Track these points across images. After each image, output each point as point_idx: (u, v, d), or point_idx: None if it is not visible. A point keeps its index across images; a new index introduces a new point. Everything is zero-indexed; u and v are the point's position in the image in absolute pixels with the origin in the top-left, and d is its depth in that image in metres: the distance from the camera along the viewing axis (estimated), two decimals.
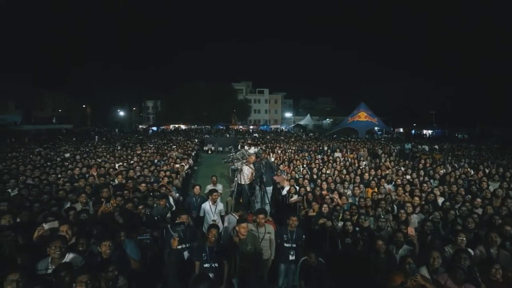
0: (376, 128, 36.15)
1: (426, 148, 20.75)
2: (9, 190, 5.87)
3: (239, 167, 5.98)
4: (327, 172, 8.77)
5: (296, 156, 12.39)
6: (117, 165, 9.38)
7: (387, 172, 8.74)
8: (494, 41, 59.40)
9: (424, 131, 46.60)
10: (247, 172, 6.04)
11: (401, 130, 47.75)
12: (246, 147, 14.77)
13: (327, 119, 60.87)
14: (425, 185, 6.86)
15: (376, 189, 6.60)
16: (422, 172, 8.71)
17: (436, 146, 21.54)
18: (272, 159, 11.24)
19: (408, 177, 8.10)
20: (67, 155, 12.15)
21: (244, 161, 6.02)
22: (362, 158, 13.57)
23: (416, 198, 5.60)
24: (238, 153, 6.06)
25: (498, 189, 6.19)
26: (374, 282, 3.45)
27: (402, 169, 9.85)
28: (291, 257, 4.17)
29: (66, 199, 5.38)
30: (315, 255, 3.77)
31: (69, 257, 3.00)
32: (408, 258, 3.16)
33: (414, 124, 49.55)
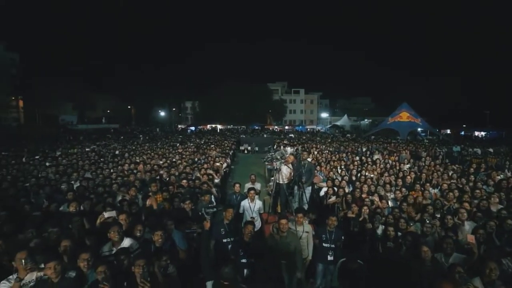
0: (419, 129, 33.84)
1: (479, 151, 18.97)
2: (73, 182, 6.62)
3: (277, 167, 6.07)
4: (367, 174, 8.48)
5: (333, 157, 12.13)
6: (160, 162, 10.03)
7: (434, 175, 8.20)
8: None
9: (476, 133, 42.52)
10: (285, 171, 6.10)
11: (448, 131, 44.13)
12: (282, 148, 14.82)
13: (365, 120, 58.39)
14: (477, 191, 6.32)
15: (420, 193, 6.24)
16: (472, 177, 8.02)
17: (491, 149, 19.56)
18: (309, 160, 11.14)
19: (454, 181, 7.53)
20: (117, 152, 13.28)
21: (283, 160, 6.09)
22: (405, 160, 12.86)
23: (466, 204, 5.20)
24: (277, 152, 6.14)
25: None
26: None
27: (450, 173, 9.17)
28: (330, 258, 4.15)
29: (118, 192, 5.93)
30: (355, 258, 3.72)
31: (126, 241, 3.34)
32: (458, 267, 2.99)
33: (464, 125, 45.39)
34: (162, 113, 59.47)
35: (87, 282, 2.78)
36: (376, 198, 5.67)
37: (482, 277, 3.02)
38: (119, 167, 9.03)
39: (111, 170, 8.36)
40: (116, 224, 3.45)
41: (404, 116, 31.01)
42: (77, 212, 4.13)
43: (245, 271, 3.64)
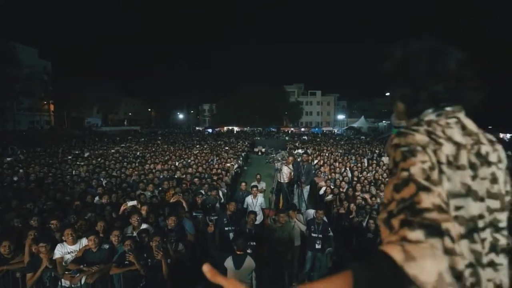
0: None
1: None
2: (102, 179, 7.68)
3: (278, 167, 6.76)
4: (368, 175, 8.98)
5: (339, 159, 12.64)
6: (177, 163, 11.04)
7: None
8: None
9: (501, 135, 40.87)
10: (286, 171, 6.79)
11: None
12: (287, 150, 15.43)
13: (384, 122, 57.41)
14: None
15: None
16: None
17: (510, 153, 19.11)
18: (315, 161, 11.74)
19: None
20: (138, 153, 14.50)
21: (284, 161, 6.78)
22: None
23: None
24: (278, 154, 6.84)
25: None
26: None
27: None
28: (317, 246, 4.80)
29: (139, 188, 6.88)
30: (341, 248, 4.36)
31: (144, 226, 4.20)
32: None
33: (490, 127, 43.71)
34: (181, 116, 61.59)
35: (117, 252, 3.64)
36: (366, 196, 6.22)
37: None
38: (140, 166, 10.11)
39: (134, 170, 9.43)
40: (137, 212, 4.33)
41: None
42: (108, 203, 5.08)
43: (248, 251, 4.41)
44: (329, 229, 4.91)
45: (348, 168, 10.35)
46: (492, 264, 0.72)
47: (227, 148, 17.58)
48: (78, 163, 10.75)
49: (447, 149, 0.73)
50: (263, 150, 25.23)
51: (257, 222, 5.49)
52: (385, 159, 13.68)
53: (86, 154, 13.62)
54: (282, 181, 6.80)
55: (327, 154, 14.39)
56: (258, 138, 29.69)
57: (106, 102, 42.81)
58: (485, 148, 0.78)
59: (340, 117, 64.09)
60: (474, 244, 0.72)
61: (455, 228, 0.61)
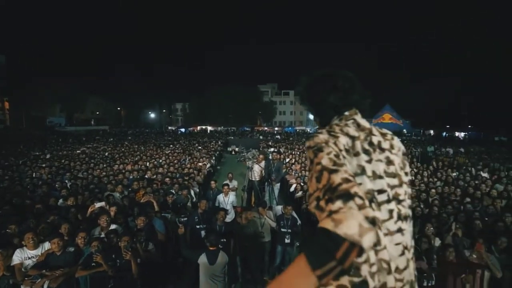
0: (405, 130, 35.21)
1: (451, 151, 20.28)
2: (66, 181, 7.32)
3: (249, 166, 6.91)
4: None
5: None
6: (148, 163, 10.77)
7: None
8: None
9: (457, 134, 44.47)
10: (257, 170, 6.95)
11: (432, 132, 45.97)
12: (258, 149, 15.67)
13: None
14: (422, 185, 7.34)
15: None
16: (426, 173, 9.09)
17: (462, 149, 20.94)
18: (287, 160, 12.06)
19: (408, 178, 8.57)
20: (107, 154, 13.91)
21: (255, 160, 6.93)
22: None
23: None
24: (249, 153, 6.98)
25: (493, 190, 6.57)
26: None
27: (414, 170, 10.22)
28: (287, 240, 5.01)
29: (107, 189, 6.67)
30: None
31: (113, 227, 4.13)
32: None
33: (448, 126, 47.33)
34: (152, 115, 59.69)
35: (83, 254, 3.55)
36: None
37: None
38: (109, 167, 9.75)
39: (101, 171, 9.08)
40: (106, 213, 4.24)
41: (387, 117, 32.42)
42: (73, 205, 4.90)
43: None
44: (298, 224, 5.14)
45: None
46: (400, 230, 0.92)
47: (200, 147, 17.43)
48: (39, 165, 10.11)
49: (343, 140, 0.93)
50: (237, 149, 25.31)
51: (228, 220, 5.59)
52: None
53: (48, 156, 12.81)
54: (253, 179, 6.95)
55: (298, 153, 14.81)
56: (232, 138, 29.68)
57: (70, 100, 40.30)
58: (376, 139, 0.99)
59: (313, 116, 65.82)
60: (377, 212, 0.90)
61: (361, 189, 0.79)
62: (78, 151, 14.99)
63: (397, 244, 0.90)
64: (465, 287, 3.64)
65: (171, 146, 18.68)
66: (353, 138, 0.95)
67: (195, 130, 45.32)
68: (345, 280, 0.82)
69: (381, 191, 0.92)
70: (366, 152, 0.94)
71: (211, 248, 3.57)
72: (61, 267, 3.36)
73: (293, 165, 10.52)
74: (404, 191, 0.98)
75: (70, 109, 44.49)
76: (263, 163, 7.00)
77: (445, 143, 27.57)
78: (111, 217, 4.33)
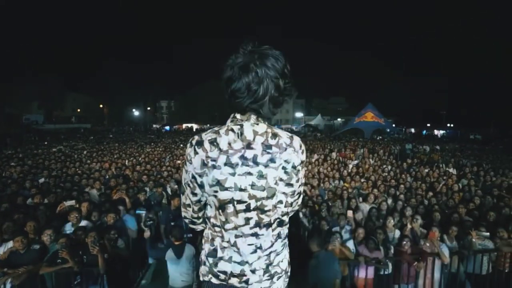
0: (388, 129, 36.00)
1: (427, 148, 21.11)
2: (40, 180, 7.17)
3: None
4: (314, 169, 9.70)
5: None
6: (127, 162, 10.69)
7: (369, 169, 9.59)
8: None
9: (435, 132, 46.17)
10: None
11: (413, 130, 47.48)
12: None
13: (339, 119, 60.87)
14: (393, 181, 7.69)
15: (347, 184, 7.49)
16: (398, 170, 9.50)
17: (437, 147, 21.84)
18: None
19: (385, 174, 8.94)
20: (85, 152, 13.63)
21: None
22: (359, 157, 14.48)
23: (375, 191, 6.48)
24: None
25: (455, 185, 7.00)
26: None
27: (389, 167, 10.65)
28: None
29: (85, 186, 6.62)
30: None
31: (83, 223, 4.14)
32: (336, 233, 4.10)
33: (428, 125, 49.05)
34: (137, 113, 58.53)
35: (49, 252, 3.56)
36: (305, 187, 6.78)
37: (354, 239, 4.16)
38: (86, 165, 9.61)
39: (77, 169, 8.93)
40: (76, 210, 4.24)
41: (369, 116, 33.11)
42: (41, 203, 4.86)
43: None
44: None
45: None
46: (255, 234, 1.06)
47: (182, 145, 17.34)
48: (12, 164, 9.82)
49: (198, 160, 1.02)
50: None
51: None
52: (334, 155, 14.83)
53: (21, 155, 12.41)
54: None
55: None
56: None
57: (48, 97, 38.93)
58: (252, 153, 0.99)
59: (298, 114, 66.41)
60: (234, 217, 1.04)
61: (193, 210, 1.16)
62: (54, 149, 14.59)
63: (250, 244, 1.06)
64: (418, 273, 3.91)
65: (152, 144, 18.49)
66: (220, 151, 0.99)
67: (180, 128, 44.88)
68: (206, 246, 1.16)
69: (240, 202, 1.01)
70: (231, 165, 0.99)
71: (176, 243, 3.66)
72: (25, 265, 3.35)
73: None
74: (275, 203, 1.05)
75: (48, 106, 42.94)
76: None
77: (424, 141, 28.63)
78: (81, 214, 4.33)
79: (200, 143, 1.02)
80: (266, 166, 1.01)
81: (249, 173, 1.00)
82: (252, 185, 1.01)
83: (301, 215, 5.48)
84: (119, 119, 54.54)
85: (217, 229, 1.10)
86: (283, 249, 1.17)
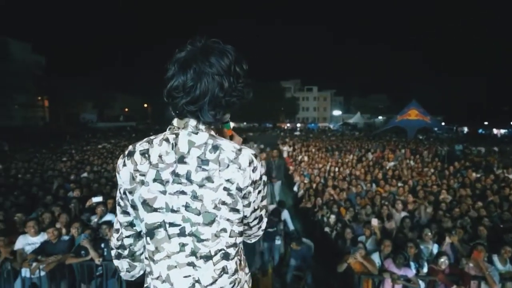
0: (435, 128, 32.92)
1: (482, 150, 18.84)
2: (83, 174, 7.84)
3: None
4: (346, 170, 9.19)
5: (322, 154, 12.84)
6: None
7: (406, 172, 8.80)
8: None
9: (495, 131, 41.13)
10: None
11: (466, 129, 42.94)
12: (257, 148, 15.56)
13: (380, 117, 57.56)
14: (435, 186, 6.92)
15: (381, 188, 6.93)
16: (442, 174, 8.57)
17: (496, 148, 19.36)
18: (300, 157, 11.94)
19: (426, 178, 8.12)
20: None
21: None
22: (399, 158, 13.40)
23: (410, 198, 5.88)
24: None
25: None
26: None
27: (432, 170, 9.68)
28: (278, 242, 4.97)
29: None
30: (297, 242, 4.52)
31: (108, 216, 4.40)
32: (360, 243, 3.77)
33: (486, 123, 43.89)
34: None
35: (75, 244, 3.81)
36: (332, 191, 6.40)
37: (380, 252, 3.79)
38: None
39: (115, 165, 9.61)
40: (102, 204, 4.54)
41: (413, 113, 30.54)
42: (74, 197, 5.27)
43: None
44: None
45: (330, 164, 10.56)
46: (191, 264, 0.87)
47: None
48: (64, 159, 10.91)
49: (126, 172, 0.87)
50: (255, 146, 25.44)
51: None
52: (370, 156, 13.94)
53: (73, 151, 13.77)
54: None
55: (313, 150, 14.58)
56: (251, 134, 29.83)
57: (99, 96, 42.67)
58: (186, 168, 0.84)
59: (336, 113, 64.20)
60: (166, 243, 0.87)
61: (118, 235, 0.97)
62: (100, 146, 15.91)
63: (186, 276, 0.88)
64: None
65: None
66: (150, 164, 0.85)
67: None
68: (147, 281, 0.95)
69: (173, 224, 0.86)
70: (161, 182, 0.85)
71: None
72: (55, 254, 3.62)
73: (302, 163, 10.40)
74: (216, 231, 0.87)
75: (100, 106, 47.12)
76: (263, 162, 7.00)
77: (479, 141, 25.66)
78: (107, 208, 4.60)
79: (131, 154, 0.88)
80: (201, 185, 0.85)
81: (183, 192, 0.85)
82: (187, 206, 0.85)
83: (325, 219, 5.20)
84: (162, 117, 57.79)
85: (146, 262, 0.92)
86: None
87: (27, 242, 3.82)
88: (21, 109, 37.21)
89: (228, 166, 0.85)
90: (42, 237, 3.91)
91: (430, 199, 6.03)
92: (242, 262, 0.99)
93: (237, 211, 0.89)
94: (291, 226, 5.19)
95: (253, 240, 1.09)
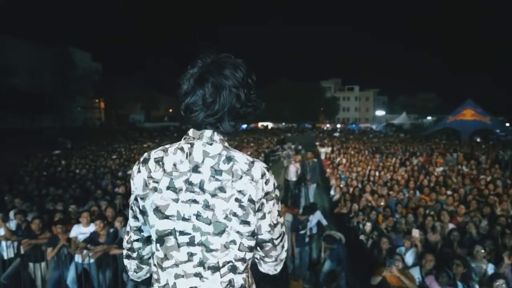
0: (497, 129, 29.26)
1: None
2: (129, 171, 8.52)
3: (285, 165, 6.91)
4: (387, 175, 8.64)
5: (362, 157, 12.24)
6: None
7: (457, 179, 7.99)
8: None
9: None
10: (292, 169, 6.90)
11: None
12: (292, 149, 15.24)
13: (429, 118, 53.05)
14: (492, 197, 6.18)
15: (425, 197, 6.39)
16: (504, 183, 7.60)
17: None
18: (338, 159, 11.54)
19: (482, 187, 7.28)
20: None
21: (291, 159, 6.91)
22: (449, 163, 12.22)
23: (461, 207, 5.32)
24: (284, 152, 6.99)
25: None
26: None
27: (488, 178, 8.66)
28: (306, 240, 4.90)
29: None
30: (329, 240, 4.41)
31: None
32: (398, 255, 3.53)
33: None
34: None
35: (118, 236, 4.16)
36: (369, 196, 6.07)
37: (421, 266, 3.51)
38: None
39: None
40: None
41: (468, 114, 27.62)
42: (119, 193, 5.75)
43: None
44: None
45: (369, 167, 10.03)
46: (198, 275, 0.88)
47: (252, 144, 17.92)
48: (113, 156, 11.98)
49: (139, 178, 0.90)
50: (293, 147, 25.18)
51: None
52: (415, 160, 12.91)
53: (123, 149, 15.03)
54: (288, 179, 6.93)
55: (352, 152, 13.97)
56: (289, 135, 29.60)
57: (146, 98, 45.84)
58: (199, 177, 0.86)
59: (380, 113, 60.70)
60: (175, 252, 0.88)
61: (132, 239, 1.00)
62: (144, 145, 17.11)
63: (192, 287, 0.88)
64: None
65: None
66: (164, 172, 0.88)
67: (256, 127, 46.34)
68: None
69: (183, 233, 0.87)
70: (174, 190, 0.87)
71: None
72: (101, 244, 4.00)
73: (340, 165, 10.01)
74: (225, 242, 0.88)
75: (147, 107, 50.64)
76: (298, 164, 6.91)
77: None
78: None
79: (145, 161, 0.91)
80: (213, 195, 0.86)
81: (195, 201, 0.86)
82: (198, 215, 0.86)
83: (360, 227, 4.97)
84: None
85: (154, 269, 0.94)
86: None
87: (80, 231, 4.26)
88: (82, 110, 41.70)
89: (241, 177, 0.87)
90: (93, 228, 4.35)
91: (485, 211, 5.41)
92: (249, 279, 0.98)
93: (248, 223, 0.89)
94: (324, 222, 5.12)
95: (278, 269, 1.05)
